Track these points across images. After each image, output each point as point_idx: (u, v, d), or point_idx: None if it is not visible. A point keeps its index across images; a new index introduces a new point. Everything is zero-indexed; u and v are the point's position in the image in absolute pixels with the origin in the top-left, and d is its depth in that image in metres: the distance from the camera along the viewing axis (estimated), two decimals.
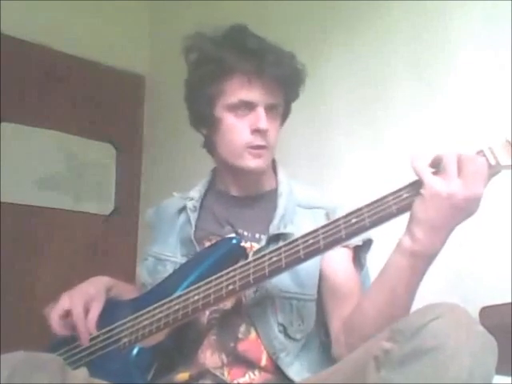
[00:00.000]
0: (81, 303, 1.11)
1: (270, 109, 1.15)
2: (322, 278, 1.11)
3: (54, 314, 1.11)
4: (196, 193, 1.25)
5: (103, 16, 2.88)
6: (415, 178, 0.90)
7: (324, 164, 2.04)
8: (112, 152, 2.94)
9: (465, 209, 0.86)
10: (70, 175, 2.80)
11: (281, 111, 1.20)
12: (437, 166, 0.89)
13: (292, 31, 2.17)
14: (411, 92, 1.81)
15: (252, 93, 1.13)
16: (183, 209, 1.24)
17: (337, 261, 1.11)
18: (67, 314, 1.11)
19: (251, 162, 1.15)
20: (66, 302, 1.12)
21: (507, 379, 1.17)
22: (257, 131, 1.13)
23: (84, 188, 2.85)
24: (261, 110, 1.13)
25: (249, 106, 1.14)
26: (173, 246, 1.21)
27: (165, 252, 1.21)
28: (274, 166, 1.25)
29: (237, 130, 1.15)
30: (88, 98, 2.87)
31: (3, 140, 2.55)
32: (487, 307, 1.37)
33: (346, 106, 2.02)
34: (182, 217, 1.24)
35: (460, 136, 1.64)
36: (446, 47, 1.73)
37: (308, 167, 2.05)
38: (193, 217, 1.20)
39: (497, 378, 0.77)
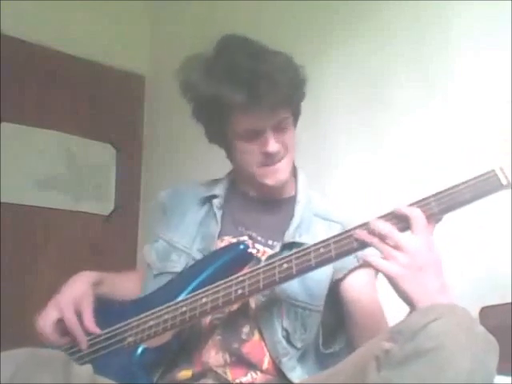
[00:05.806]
0: (70, 309, 1.08)
1: (278, 125, 1.14)
2: (345, 303, 1.12)
3: (45, 326, 1.08)
4: (221, 190, 1.24)
5: (103, 16, 2.88)
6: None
7: (324, 164, 2.04)
8: (112, 152, 2.94)
9: (429, 261, 0.85)
10: (69, 175, 2.80)
11: (291, 119, 1.19)
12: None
13: (292, 31, 2.17)
14: (411, 92, 1.81)
15: (254, 121, 1.11)
16: (206, 201, 1.23)
17: (361, 287, 1.12)
18: (58, 323, 1.08)
19: (268, 180, 1.16)
20: (54, 311, 1.09)
21: (507, 379, 1.17)
22: (267, 154, 1.14)
23: (84, 188, 2.85)
24: (268, 135, 1.13)
25: (256, 132, 1.13)
26: (191, 238, 1.19)
27: (181, 241, 1.19)
28: (295, 173, 1.25)
29: (249, 153, 1.15)
30: (88, 98, 2.87)
31: (3, 140, 2.55)
32: (487, 307, 1.37)
33: (346, 105, 2.02)
34: (204, 210, 1.22)
35: (460, 136, 1.64)
36: (446, 47, 1.73)
37: (308, 167, 2.05)
38: (219, 215, 1.20)
39: (497, 378, 0.77)
